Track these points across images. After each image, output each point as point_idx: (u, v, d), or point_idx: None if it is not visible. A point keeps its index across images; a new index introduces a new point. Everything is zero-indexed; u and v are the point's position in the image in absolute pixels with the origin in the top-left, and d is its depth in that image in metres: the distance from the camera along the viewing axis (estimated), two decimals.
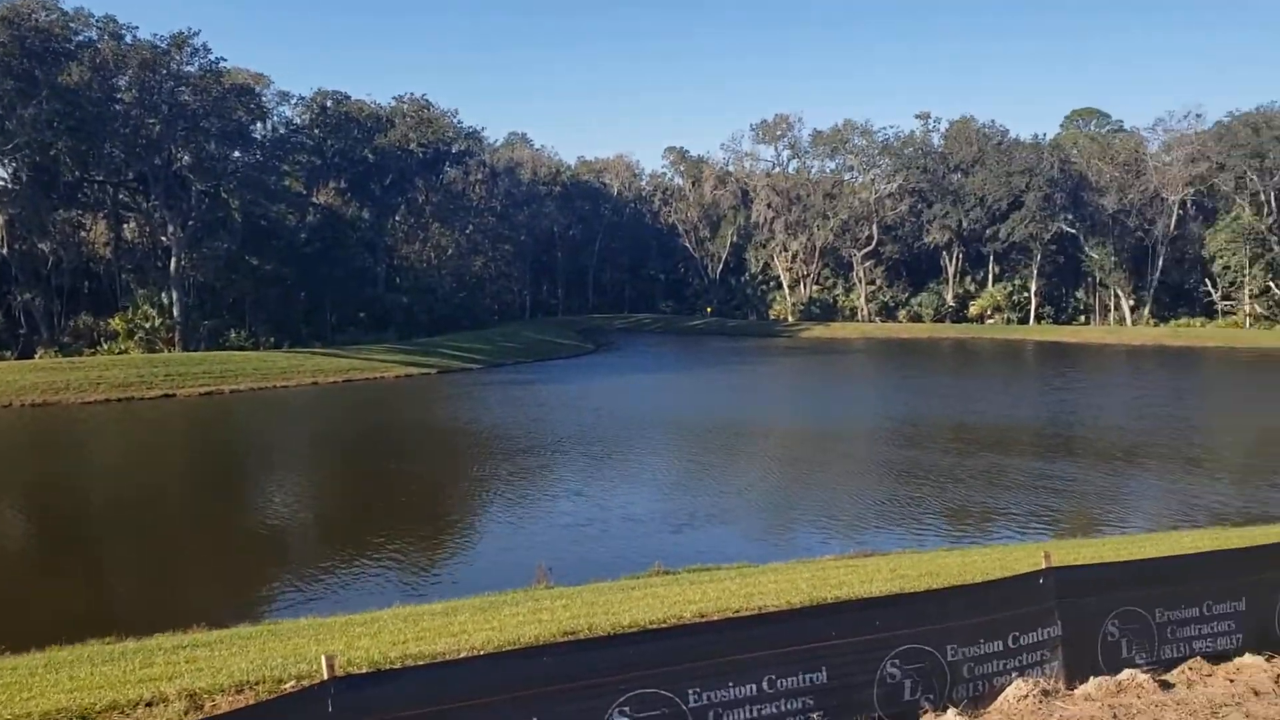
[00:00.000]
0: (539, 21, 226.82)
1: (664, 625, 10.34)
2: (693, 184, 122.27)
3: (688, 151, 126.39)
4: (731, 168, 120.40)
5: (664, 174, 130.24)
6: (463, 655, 10.09)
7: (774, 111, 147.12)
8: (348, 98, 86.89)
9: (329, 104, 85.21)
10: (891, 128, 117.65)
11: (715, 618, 11.47)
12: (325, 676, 5.98)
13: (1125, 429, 42.47)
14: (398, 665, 9.66)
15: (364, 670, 9.12)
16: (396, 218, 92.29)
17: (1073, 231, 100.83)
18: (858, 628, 7.22)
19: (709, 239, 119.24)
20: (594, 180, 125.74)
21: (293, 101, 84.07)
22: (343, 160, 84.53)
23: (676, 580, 17.54)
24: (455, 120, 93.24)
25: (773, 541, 24.49)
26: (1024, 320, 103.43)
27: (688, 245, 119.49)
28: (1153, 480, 32.19)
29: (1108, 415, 46.80)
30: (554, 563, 20.09)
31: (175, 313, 65.49)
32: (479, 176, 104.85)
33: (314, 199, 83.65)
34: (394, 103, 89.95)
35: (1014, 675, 7.77)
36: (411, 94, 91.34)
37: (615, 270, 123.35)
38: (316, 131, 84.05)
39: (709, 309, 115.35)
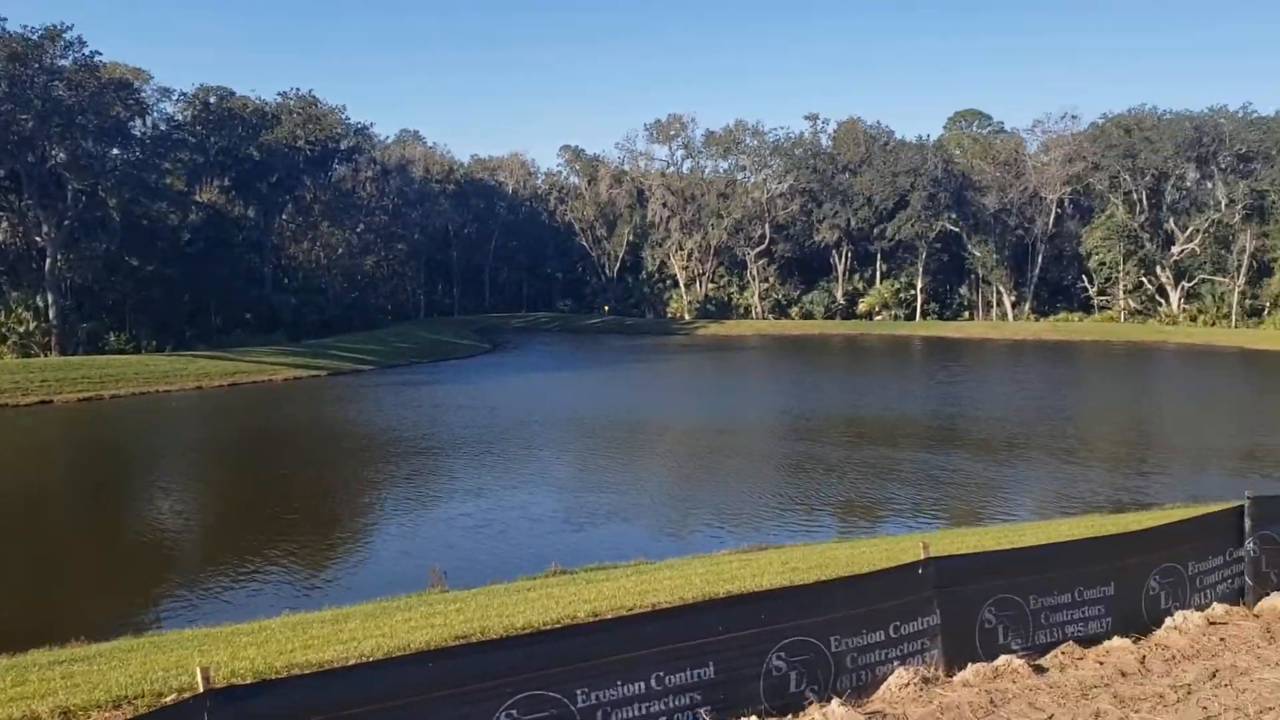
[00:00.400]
0: (429, 20, 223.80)
1: (557, 626, 10.34)
2: (588, 183, 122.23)
3: (583, 150, 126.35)
4: (627, 167, 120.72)
5: (560, 172, 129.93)
6: (351, 663, 9.94)
7: (668, 111, 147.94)
8: (232, 94, 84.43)
9: (212, 100, 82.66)
10: (782, 128, 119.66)
11: (609, 616, 11.50)
12: (201, 689, 5.82)
13: (1006, 421, 43.99)
14: (283, 675, 9.45)
15: (247, 681, 8.91)
16: (284, 216, 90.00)
17: (956, 230, 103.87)
18: (745, 622, 7.32)
19: (606, 238, 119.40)
20: (489, 178, 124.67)
21: (174, 98, 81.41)
22: (227, 158, 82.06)
23: (573, 580, 17.55)
24: (344, 117, 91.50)
25: (671, 538, 24.68)
26: (911, 316, 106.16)
27: (585, 244, 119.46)
28: (1032, 470, 33.40)
29: (990, 408, 48.42)
30: (451, 565, 19.91)
31: (51, 316, 62.73)
32: (369, 174, 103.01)
33: (197, 198, 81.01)
34: (280, 99, 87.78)
35: (896, 664, 7.98)
36: (298, 90, 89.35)
37: (512, 269, 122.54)
38: (199, 128, 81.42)
39: (606, 307, 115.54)
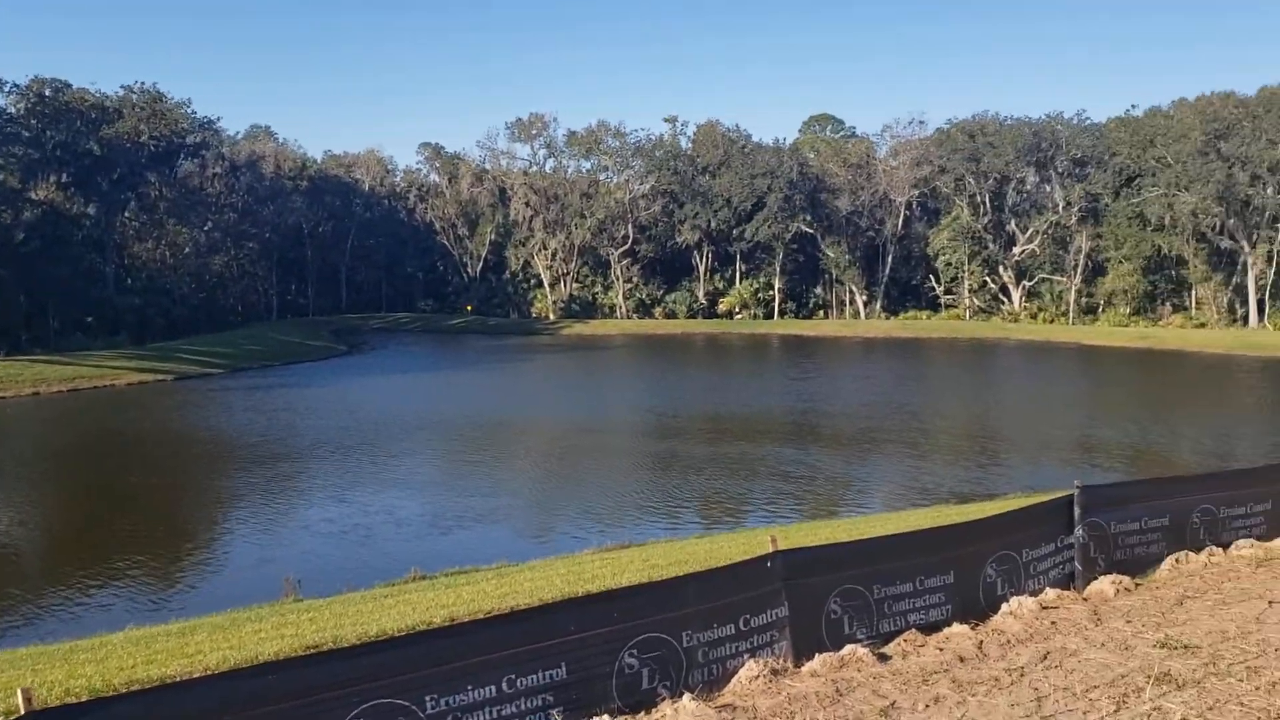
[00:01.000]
0: (282, 16, 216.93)
1: (411, 632, 10.19)
2: (449, 181, 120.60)
3: (443, 148, 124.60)
4: (488, 165, 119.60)
5: (419, 170, 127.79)
6: (195, 676, 9.58)
7: (529, 110, 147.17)
8: (69, 86, 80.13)
9: (47, 92, 78.29)
10: (643, 130, 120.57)
11: (466, 620, 11.38)
12: (23, 710, 5.52)
13: (858, 416, 45.42)
14: (122, 691, 9.04)
15: (84, 699, 8.51)
16: (126, 214, 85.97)
17: (811, 231, 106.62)
18: (597, 621, 7.34)
19: (468, 237, 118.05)
20: (344, 175, 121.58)
21: (5, 89, 76.80)
22: (65, 153, 77.91)
23: (433, 585, 17.37)
24: (189, 111, 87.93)
25: (536, 539, 24.65)
26: (769, 315, 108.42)
27: (446, 243, 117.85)
28: (884, 463, 34.59)
29: (843, 404, 49.90)
30: (309, 573, 19.47)
31: None
32: (218, 170, 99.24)
33: (32, 194, 76.61)
34: (122, 92, 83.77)
35: (746, 657, 8.13)
36: (141, 83, 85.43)
37: (370, 268, 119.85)
38: (34, 122, 77.06)
39: (469, 307, 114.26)
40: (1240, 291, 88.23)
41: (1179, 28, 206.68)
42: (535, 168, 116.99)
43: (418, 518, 26.88)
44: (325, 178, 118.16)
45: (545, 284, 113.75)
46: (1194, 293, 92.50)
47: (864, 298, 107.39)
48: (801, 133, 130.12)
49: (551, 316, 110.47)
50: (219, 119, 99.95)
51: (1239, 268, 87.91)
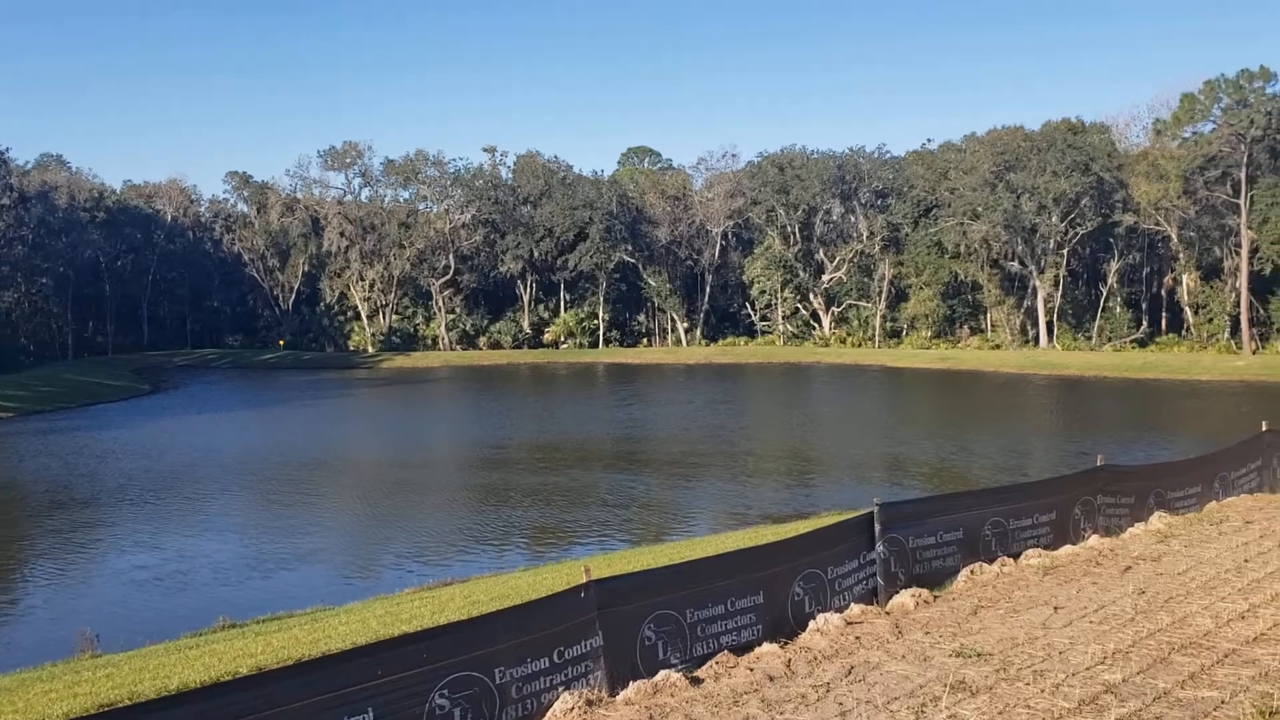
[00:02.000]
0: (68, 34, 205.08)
1: (214, 683, 9.75)
2: (258, 210, 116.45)
3: (251, 176, 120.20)
4: (300, 195, 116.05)
5: (226, 200, 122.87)
6: None
7: (343, 139, 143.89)
8: None
9: None
10: (462, 159, 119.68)
11: (273, 668, 10.98)
12: None
13: (680, 440, 46.25)
14: None
15: None
16: None
17: (633, 261, 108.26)
18: (406, 663, 7.20)
19: (279, 268, 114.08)
20: (144, 206, 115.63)
21: None
22: None
23: (242, 633, 16.73)
24: None
25: (357, 579, 23.98)
26: (595, 344, 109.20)
27: (256, 275, 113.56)
28: (706, 487, 35.29)
29: (667, 429, 50.72)
30: (113, 625, 18.52)
31: None
32: (5, 202, 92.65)
33: None
34: None
35: (561, 690, 8.14)
36: None
37: (174, 303, 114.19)
38: None
39: (281, 341, 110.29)
40: (1031, 314, 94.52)
41: (970, 67, 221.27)
42: (350, 197, 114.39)
43: (233, 562, 25.75)
44: (124, 209, 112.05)
45: (363, 316, 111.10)
46: (989, 316, 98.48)
47: (685, 325, 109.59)
48: (621, 164, 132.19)
49: (370, 349, 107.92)
50: (7, 149, 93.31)
51: (1029, 292, 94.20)
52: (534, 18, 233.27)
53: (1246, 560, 12.89)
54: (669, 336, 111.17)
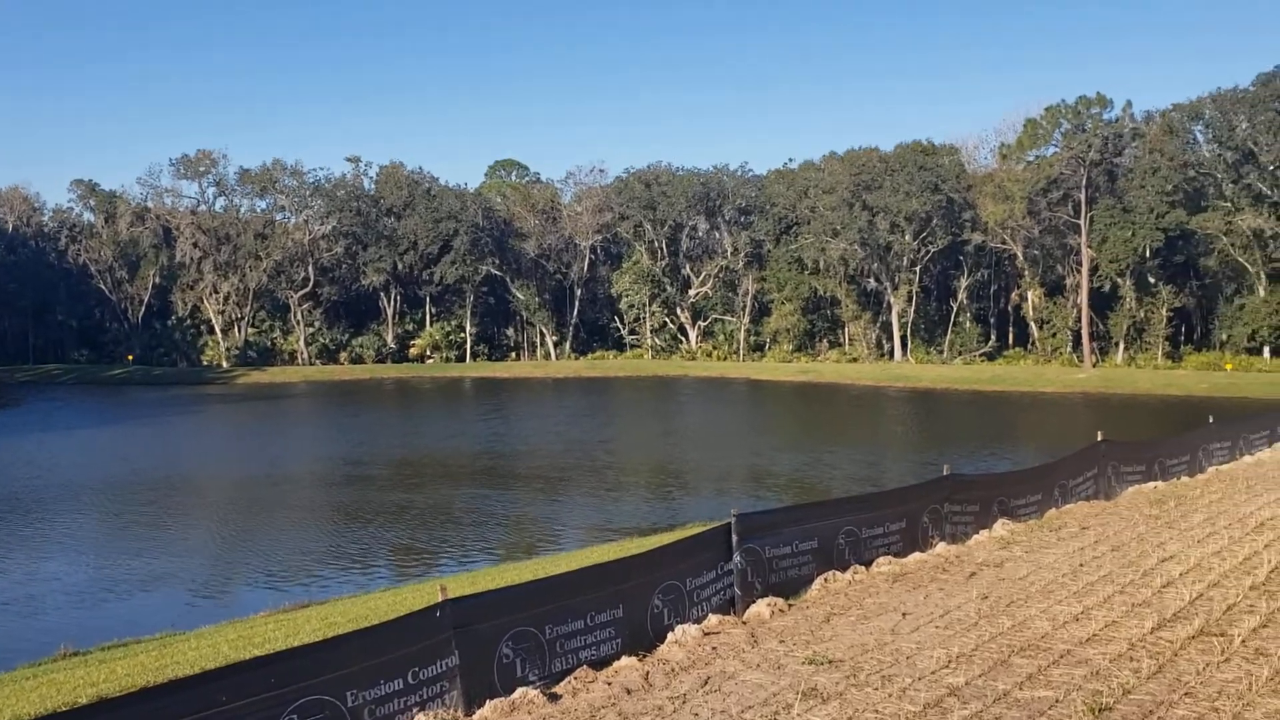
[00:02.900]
0: None
1: (51, 714, 9.27)
2: (106, 220, 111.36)
3: (98, 185, 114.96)
4: (151, 204, 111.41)
5: (71, 209, 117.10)
6: None
7: (196, 147, 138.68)
8: None
9: None
10: (323, 169, 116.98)
11: (117, 696, 10.50)
12: None
13: (549, 454, 46.16)
14: None
15: None
16: None
17: (500, 274, 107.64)
18: (253, 687, 6.99)
19: (128, 280, 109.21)
20: None
21: None
22: None
23: (85, 662, 15.98)
24: None
25: (211, 602, 23.18)
26: (462, 358, 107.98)
27: (103, 287, 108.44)
28: (574, 500, 35.28)
29: (535, 443, 50.53)
30: None
31: None
32: None
33: None
34: None
35: (415, 711, 8.01)
36: None
37: (14, 316, 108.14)
38: None
39: (130, 356, 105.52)
40: (886, 329, 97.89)
41: (831, 87, 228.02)
42: (204, 207, 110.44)
43: (81, 586, 24.55)
44: None
45: (217, 330, 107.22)
46: (847, 330, 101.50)
47: (554, 339, 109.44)
48: (488, 177, 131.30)
49: (225, 364, 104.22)
50: None
51: (884, 307, 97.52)
52: (398, 25, 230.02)
53: (1082, 565, 13.53)
54: (538, 350, 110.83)
